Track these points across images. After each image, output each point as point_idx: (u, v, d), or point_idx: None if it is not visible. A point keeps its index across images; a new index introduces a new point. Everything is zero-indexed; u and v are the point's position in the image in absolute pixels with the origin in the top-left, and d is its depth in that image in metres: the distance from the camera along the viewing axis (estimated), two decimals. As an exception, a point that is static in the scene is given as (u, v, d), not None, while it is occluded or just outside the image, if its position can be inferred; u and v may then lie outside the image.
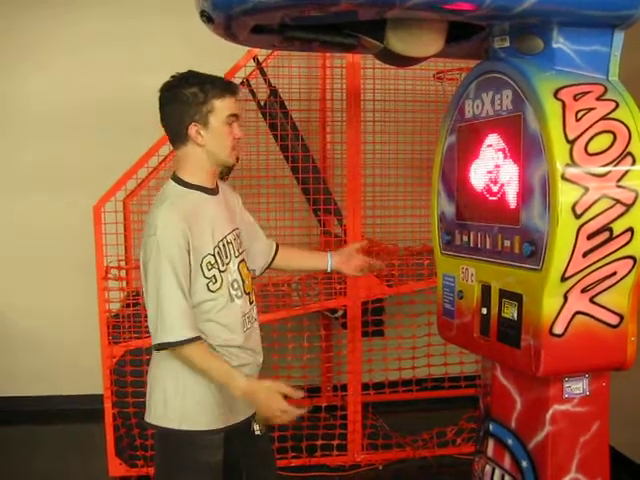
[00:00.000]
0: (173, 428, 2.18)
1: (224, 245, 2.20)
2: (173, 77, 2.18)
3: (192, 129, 2.13)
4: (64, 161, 4.81)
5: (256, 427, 2.30)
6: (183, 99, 2.11)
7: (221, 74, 3.69)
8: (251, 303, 2.32)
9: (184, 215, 2.09)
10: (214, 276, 2.16)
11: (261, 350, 2.38)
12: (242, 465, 2.39)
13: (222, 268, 2.18)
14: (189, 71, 2.20)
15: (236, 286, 2.23)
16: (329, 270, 2.59)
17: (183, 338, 2.05)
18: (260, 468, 2.46)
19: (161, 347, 2.09)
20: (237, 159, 2.32)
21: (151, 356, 2.28)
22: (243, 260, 2.30)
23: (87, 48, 4.76)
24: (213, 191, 2.24)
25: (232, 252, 2.23)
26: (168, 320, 2.05)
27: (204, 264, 2.13)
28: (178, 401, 2.18)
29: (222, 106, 2.14)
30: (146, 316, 2.18)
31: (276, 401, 2.07)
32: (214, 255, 2.16)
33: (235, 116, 2.19)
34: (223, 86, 2.16)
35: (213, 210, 2.21)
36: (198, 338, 2.09)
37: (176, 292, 2.05)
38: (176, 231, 2.05)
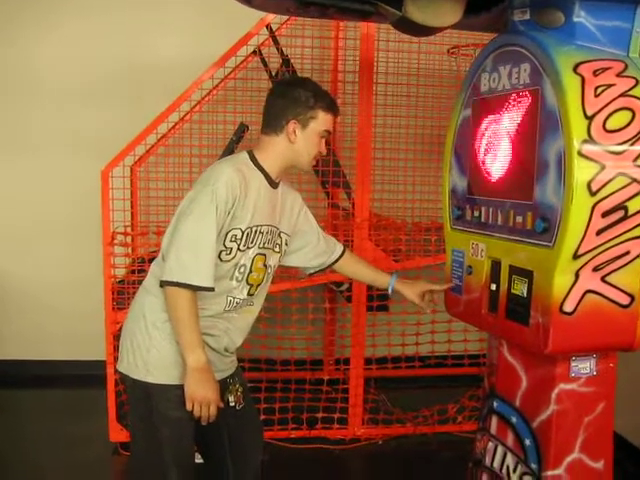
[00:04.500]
0: (139, 379, 2.27)
1: (255, 232, 2.27)
2: (293, 77, 2.48)
3: (291, 125, 2.28)
4: (76, 126, 4.81)
5: (230, 398, 2.37)
6: (295, 96, 2.28)
7: (234, 41, 3.70)
8: (250, 295, 2.35)
9: (242, 183, 2.20)
10: (231, 249, 2.23)
11: (237, 341, 2.40)
12: (224, 435, 2.45)
13: (242, 248, 2.26)
14: (308, 78, 2.51)
15: (242, 270, 2.29)
16: (390, 291, 2.64)
17: (206, 285, 2.14)
18: (245, 442, 2.51)
19: (179, 285, 2.11)
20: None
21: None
22: (264, 255, 2.34)
23: (100, 12, 4.73)
24: (273, 184, 2.36)
25: (258, 241, 2.30)
26: (203, 264, 2.14)
27: (230, 234, 2.21)
28: (144, 354, 2.26)
29: (324, 118, 2.32)
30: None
31: (212, 391, 2.15)
32: (243, 233, 2.23)
33: (328, 133, 2.37)
34: (331, 103, 2.34)
35: (263, 198, 2.30)
36: (213, 289, 2.18)
37: (213, 242, 2.15)
38: (231, 191, 2.16)
